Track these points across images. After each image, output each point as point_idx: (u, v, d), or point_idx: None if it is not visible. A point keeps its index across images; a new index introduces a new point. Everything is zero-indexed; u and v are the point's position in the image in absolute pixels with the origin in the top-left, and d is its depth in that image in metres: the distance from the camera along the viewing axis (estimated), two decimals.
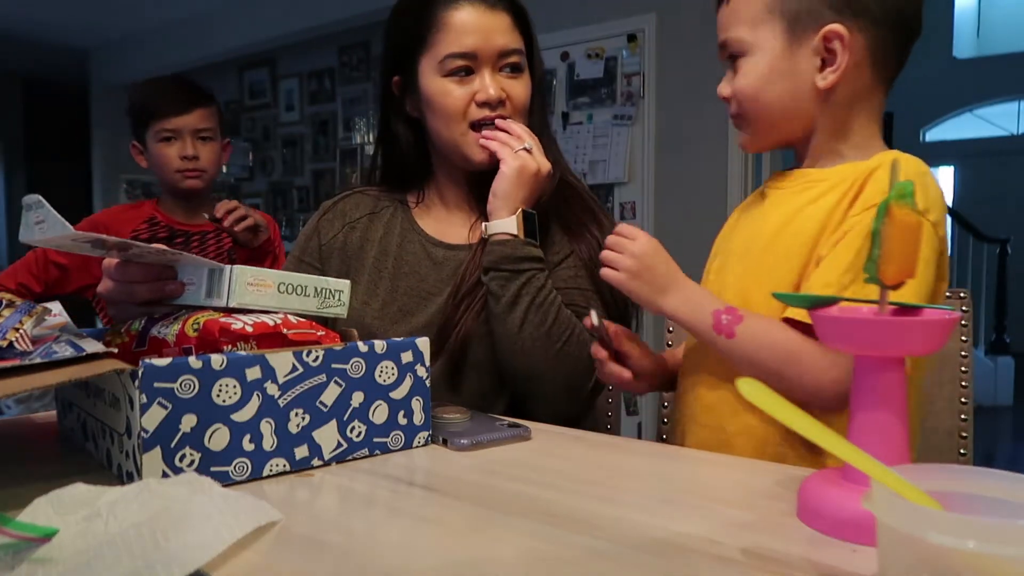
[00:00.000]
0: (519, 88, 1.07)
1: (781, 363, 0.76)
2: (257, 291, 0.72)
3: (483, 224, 1.04)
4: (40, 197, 0.72)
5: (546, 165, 1.03)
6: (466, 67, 1.05)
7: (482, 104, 1.05)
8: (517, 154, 1.01)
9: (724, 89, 0.88)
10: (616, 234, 0.86)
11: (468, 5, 1.05)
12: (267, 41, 4.87)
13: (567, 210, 1.12)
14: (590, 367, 1.01)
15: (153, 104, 1.76)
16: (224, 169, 5.59)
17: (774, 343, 0.77)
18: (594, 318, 0.86)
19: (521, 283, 0.98)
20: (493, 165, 1.04)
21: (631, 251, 0.84)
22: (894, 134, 5.72)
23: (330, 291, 0.78)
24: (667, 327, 1.24)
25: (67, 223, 0.67)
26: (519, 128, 1.03)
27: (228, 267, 0.72)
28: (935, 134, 7.52)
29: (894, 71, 0.85)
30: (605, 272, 0.86)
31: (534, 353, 0.97)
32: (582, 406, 1.03)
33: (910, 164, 0.78)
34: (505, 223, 1.01)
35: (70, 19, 5.27)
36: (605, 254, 0.86)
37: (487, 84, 1.04)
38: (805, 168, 0.87)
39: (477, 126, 1.05)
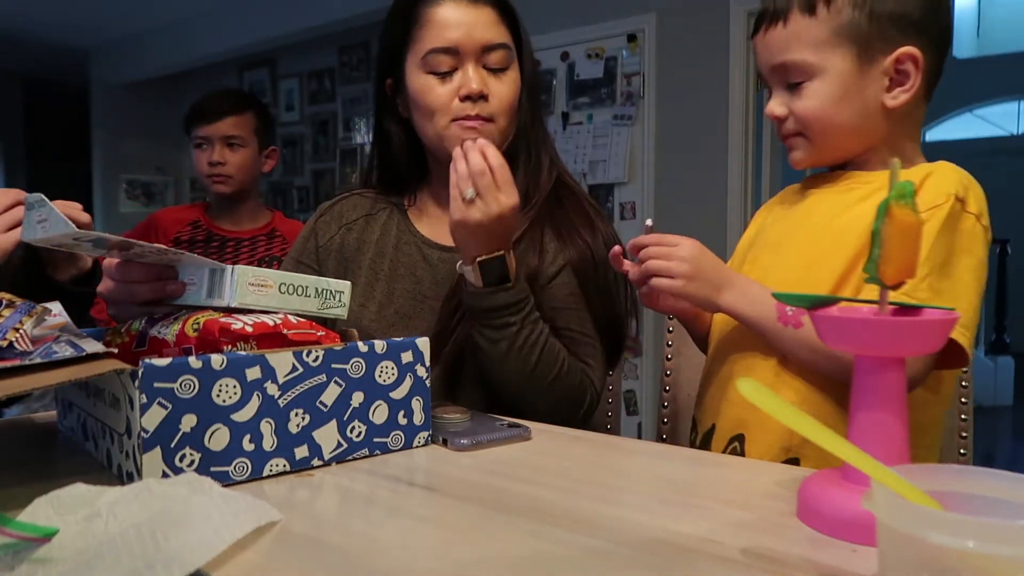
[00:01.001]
0: (503, 85, 1.05)
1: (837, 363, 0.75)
2: (258, 291, 0.73)
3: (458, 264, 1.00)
4: (42, 196, 0.72)
5: (496, 209, 0.91)
6: (449, 63, 1.03)
7: (464, 98, 1.03)
8: (460, 206, 0.92)
9: (778, 109, 0.87)
10: (657, 243, 0.85)
11: (451, 0, 1.04)
12: (267, 41, 4.87)
13: (561, 214, 1.10)
14: (579, 398, 1.01)
15: (192, 113, 1.87)
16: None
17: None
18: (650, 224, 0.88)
19: (494, 329, 0.96)
20: None
21: (680, 256, 0.83)
22: None
23: (331, 292, 0.78)
24: (667, 327, 1.24)
25: (69, 221, 0.67)
26: (475, 159, 0.92)
27: (229, 267, 0.72)
28: (935, 134, 7.51)
29: (936, 83, 0.87)
30: (659, 282, 0.84)
31: (520, 388, 0.97)
32: (574, 424, 1.02)
33: (957, 173, 0.80)
34: (467, 271, 0.97)
35: (70, 19, 5.27)
36: (652, 264, 0.84)
37: (470, 77, 1.03)
38: (853, 170, 0.88)
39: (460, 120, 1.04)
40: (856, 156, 0.88)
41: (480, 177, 0.90)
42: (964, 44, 7.27)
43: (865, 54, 0.82)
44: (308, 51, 5.00)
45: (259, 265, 1.77)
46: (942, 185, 0.78)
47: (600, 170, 3.32)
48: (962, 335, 0.73)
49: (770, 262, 0.89)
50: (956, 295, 0.75)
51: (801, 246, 0.86)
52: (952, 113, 7.34)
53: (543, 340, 0.97)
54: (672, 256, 0.83)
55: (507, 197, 0.92)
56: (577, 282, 1.06)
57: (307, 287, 0.76)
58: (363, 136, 4.77)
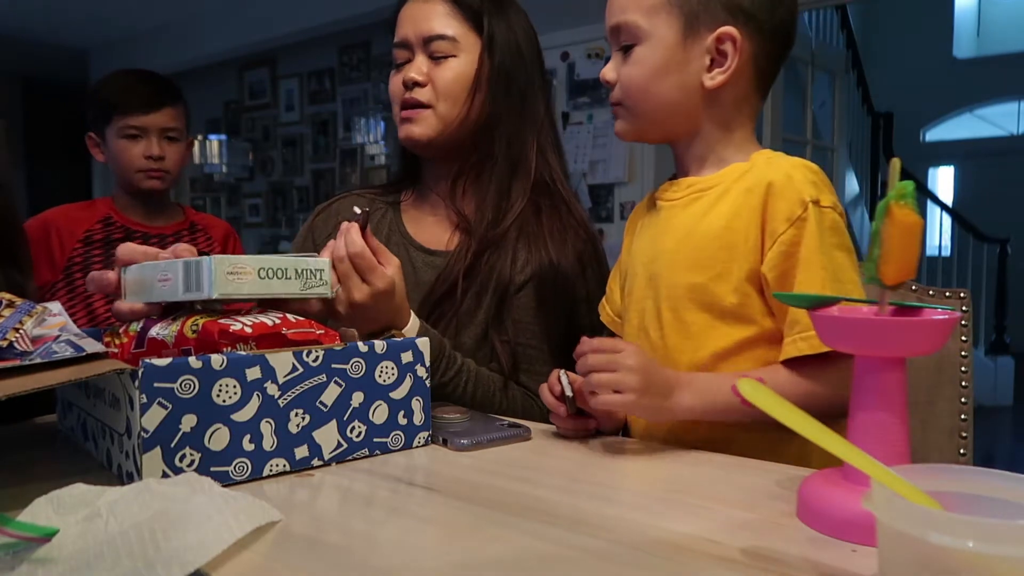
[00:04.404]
0: (441, 72, 1.07)
1: (806, 406, 0.69)
2: (238, 279, 0.70)
3: None
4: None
5: (358, 296, 0.84)
6: (404, 55, 1.09)
7: (405, 85, 1.08)
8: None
9: (609, 73, 0.87)
10: (598, 350, 0.74)
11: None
12: (267, 41, 4.87)
13: (535, 222, 1.08)
14: (531, 407, 1.02)
15: (120, 98, 1.66)
16: (224, 169, 5.58)
17: (795, 395, 0.71)
18: (566, 387, 0.77)
19: None
20: (417, 143, 1.08)
21: (628, 365, 0.72)
22: (894, 134, 5.72)
23: (311, 271, 0.76)
24: None
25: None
26: (338, 244, 0.86)
27: (204, 258, 0.70)
28: (935, 134, 7.51)
29: (770, 81, 0.87)
30: (608, 400, 0.73)
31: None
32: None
33: (800, 171, 0.79)
34: None
35: (70, 19, 5.27)
36: (599, 378, 0.73)
37: (411, 66, 1.08)
38: (692, 176, 0.88)
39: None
40: (679, 139, 0.88)
41: (339, 263, 0.85)
42: (964, 44, 7.27)
43: (690, 27, 0.82)
44: (308, 51, 5.00)
45: None
46: (794, 192, 0.77)
47: (600, 170, 3.32)
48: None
49: (642, 293, 0.88)
50: (854, 296, 0.74)
51: (660, 270, 0.85)
52: (952, 113, 7.34)
53: (470, 392, 0.97)
54: (619, 366, 0.72)
55: (372, 282, 0.85)
56: (537, 296, 1.06)
57: (287, 269, 0.74)
58: (363, 136, 4.77)
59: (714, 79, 0.82)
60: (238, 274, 0.70)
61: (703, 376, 0.79)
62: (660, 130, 0.88)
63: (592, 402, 0.74)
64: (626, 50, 0.85)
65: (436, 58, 1.07)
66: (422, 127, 1.07)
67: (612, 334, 1.15)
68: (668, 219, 0.88)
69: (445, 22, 1.07)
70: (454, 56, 1.07)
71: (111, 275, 0.79)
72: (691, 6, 0.82)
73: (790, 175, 0.79)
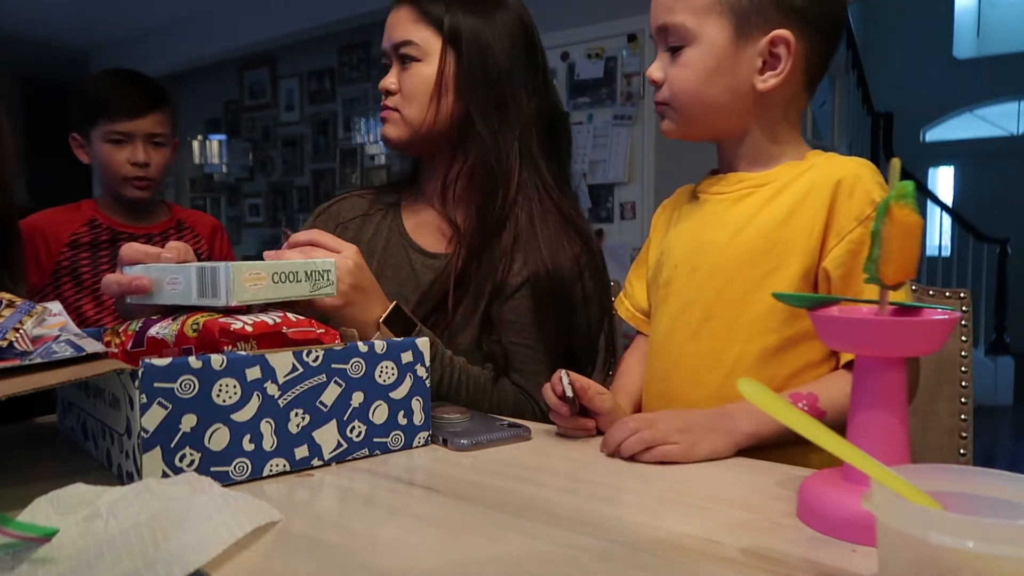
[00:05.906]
0: (406, 77, 1.08)
1: None
2: (255, 286, 0.71)
3: None
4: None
5: (348, 262, 0.87)
6: (386, 64, 1.12)
7: (381, 92, 1.11)
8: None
9: (656, 72, 0.86)
10: (637, 429, 0.71)
11: (393, 8, 1.12)
12: (267, 41, 4.88)
13: (529, 224, 1.07)
14: (525, 404, 1.02)
15: (106, 102, 1.61)
16: (224, 169, 5.57)
17: None
18: (567, 388, 0.77)
19: None
20: (389, 143, 1.11)
21: (667, 427, 0.71)
22: (894, 134, 5.72)
23: (319, 272, 0.77)
24: None
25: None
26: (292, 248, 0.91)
27: (221, 265, 0.70)
28: (935, 134, 7.51)
29: (819, 78, 0.86)
30: (667, 450, 0.70)
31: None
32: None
33: (868, 171, 0.79)
34: (376, 337, 0.92)
35: (70, 19, 5.27)
36: (650, 435, 0.70)
37: (388, 74, 1.10)
38: (740, 172, 0.87)
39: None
40: (726, 137, 0.87)
41: (313, 254, 0.86)
42: (964, 44, 7.27)
43: (742, 30, 0.80)
44: (308, 51, 5.00)
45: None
46: (863, 191, 0.77)
47: (600, 170, 3.33)
48: None
49: (683, 287, 0.87)
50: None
51: (710, 266, 0.84)
52: (952, 113, 7.35)
53: (464, 381, 0.97)
54: (657, 427, 0.71)
55: (343, 247, 0.89)
56: (533, 300, 1.05)
57: (297, 272, 0.75)
58: (363, 136, 4.77)
59: (766, 82, 0.81)
60: (254, 281, 0.71)
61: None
62: (707, 130, 0.88)
63: (648, 457, 0.70)
64: (674, 51, 0.84)
65: (404, 64, 1.09)
66: (391, 129, 1.10)
67: (613, 329, 1.15)
68: (715, 213, 0.87)
69: (410, 28, 1.08)
70: (419, 60, 1.08)
71: (145, 281, 0.78)
72: (742, 7, 0.80)
73: (858, 174, 0.78)
